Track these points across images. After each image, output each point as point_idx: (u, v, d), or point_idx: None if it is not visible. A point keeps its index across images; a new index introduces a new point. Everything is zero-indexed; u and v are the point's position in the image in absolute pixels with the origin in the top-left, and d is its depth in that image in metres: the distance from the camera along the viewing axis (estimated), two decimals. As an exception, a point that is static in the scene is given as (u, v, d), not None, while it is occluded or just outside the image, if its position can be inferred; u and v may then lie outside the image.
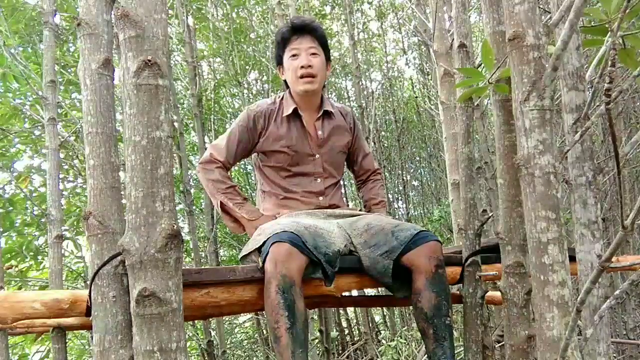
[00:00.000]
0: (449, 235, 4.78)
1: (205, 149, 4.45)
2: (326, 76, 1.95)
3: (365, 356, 4.89)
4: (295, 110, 1.89)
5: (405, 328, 4.59)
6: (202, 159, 1.92)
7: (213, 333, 4.11)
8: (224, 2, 4.98)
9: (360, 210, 2.02)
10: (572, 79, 1.28)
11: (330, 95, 6.22)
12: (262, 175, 1.96)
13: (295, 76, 1.85)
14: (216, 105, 5.19)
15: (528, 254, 1.15)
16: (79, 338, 4.45)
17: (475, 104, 2.24)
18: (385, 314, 5.65)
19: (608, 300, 0.95)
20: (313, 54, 1.85)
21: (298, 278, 1.44)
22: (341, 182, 2.09)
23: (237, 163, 2.11)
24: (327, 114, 1.96)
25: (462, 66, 1.73)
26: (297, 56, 1.85)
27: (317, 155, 1.92)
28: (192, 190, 4.69)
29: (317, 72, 1.85)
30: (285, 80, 1.95)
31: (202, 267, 3.60)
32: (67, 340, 1.71)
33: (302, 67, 1.84)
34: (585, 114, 1.25)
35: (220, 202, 1.86)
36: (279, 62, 1.95)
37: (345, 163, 2.10)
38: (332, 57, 2.01)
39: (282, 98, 1.94)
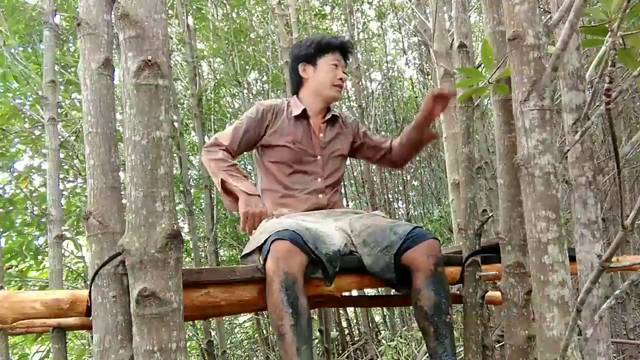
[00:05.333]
0: (449, 235, 4.78)
1: (206, 149, 4.48)
2: None
3: (365, 356, 4.89)
4: (304, 111, 1.97)
5: (405, 328, 4.59)
6: (207, 143, 1.94)
7: (213, 333, 4.11)
8: (224, 2, 4.98)
9: (360, 210, 2.02)
10: (572, 79, 1.28)
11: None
12: (264, 171, 1.98)
13: (331, 82, 1.99)
14: (216, 105, 5.19)
15: (528, 254, 1.15)
16: (79, 338, 4.45)
17: (475, 104, 2.24)
18: (385, 314, 5.65)
19: (608, 300, 0.95)
20: (344, 72, 2.04)
21: (300, 275, 1.44)
22: (341, 184, 2.10)
23: (238, 156, 2.12)
24: (333, 119, 2.05)
25: (462, 66, 1.73)
26: (337, 67, 2.00)
27: (319, 157, 1.97)
28: (192, 190, 4.69)
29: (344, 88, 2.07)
30: (296, 82, 2.04)
31: (202, 267, 3.60)
32: (67, 340, 1.71)
33: (340, 78, 2.00)
34: (585, 114, 1.25)
35: (221, 179, 1.82)
36: (308, 61, 2.01)
37: (368, 157, 2.19)
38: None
39: (289, 102, 2.02)
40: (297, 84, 2.05)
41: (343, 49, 2.04)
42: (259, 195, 1.80)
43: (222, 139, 1.92)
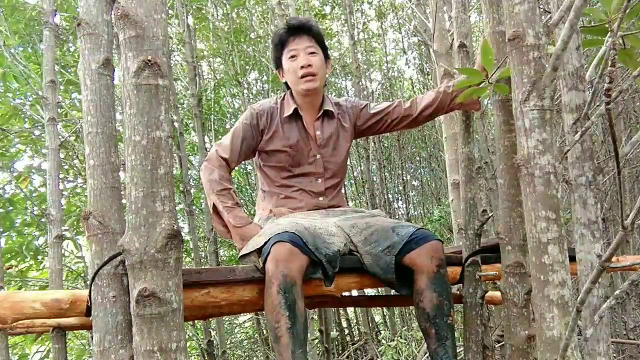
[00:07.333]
0: (449, 235, 4.78)
1: (206, 149, 4.49)
2: (326, 74, 1.94)
3: (365, 356, 4.89)
4: (295, 111, 1.87)
5: (405, 328, 4.59)
6: (207, 156, 1.89)
7: (213, 333, 4.11)
8: (224, 2, 4.97)
9: (360, 209, 2.01)
10: (572, 79, 1.28)
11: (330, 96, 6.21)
12: (263, 175, 1.95)
13: (296, 77, 1.84)
14: (216, 105, 5.19)
15: (528, 254, 1.15)
16: (79, 338, 4.45)
17: (475, 104, 2.22)
18: (385, 314, 5.65)
19: (608, 300, 0.95)
20: (311, 53, 1.85)
21: (299, 278, 1.44)
22: (343, 183, 2.07)
23: (239, 164, 2.09)
24: (328, 114, 1.93)
25: (462, 66, 1.73)
26: (295, 57, 1.85)
27: (318, 156, 1.90)
28: (192, 190, 4.69)
29: (317, 71, 1.84)
30: (285, 83, 1.94)
31: (202, 267, 3.60)
32: (67, 340, 1.71)
33: (302, 67, 1.83)
34: (585, 114, 1.25)
35: (213, 203, 1.81)
36: (278, 65, 1.94)
37: (385, 127, 1.97)
38: (331, 57, 1.98)
39: (283, 99, 1.93)
40: (287, 86, 1.96)
41: (296, 32, 1.85)
42: (250, 222, 1.77)
43: (221, 150, 1.85)
